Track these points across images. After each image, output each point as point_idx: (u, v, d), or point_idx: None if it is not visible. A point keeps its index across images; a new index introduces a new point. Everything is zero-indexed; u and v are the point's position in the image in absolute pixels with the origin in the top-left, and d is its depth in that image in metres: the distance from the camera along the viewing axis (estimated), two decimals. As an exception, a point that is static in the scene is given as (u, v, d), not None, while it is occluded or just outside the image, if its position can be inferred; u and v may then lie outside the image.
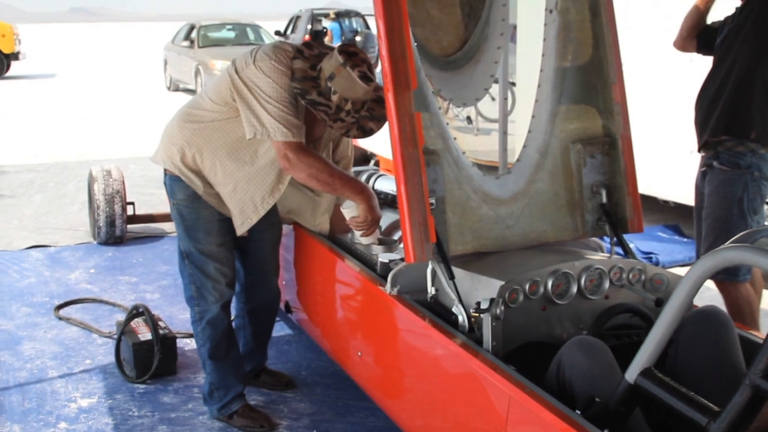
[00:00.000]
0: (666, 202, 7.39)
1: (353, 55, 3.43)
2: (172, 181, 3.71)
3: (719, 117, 4.16)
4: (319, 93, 3.42)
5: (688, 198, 5.10)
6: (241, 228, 3.72)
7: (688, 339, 2.68)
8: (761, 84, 4.09)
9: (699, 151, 4.37)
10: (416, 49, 3.12)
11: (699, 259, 2.12)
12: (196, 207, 3.68)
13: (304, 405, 4.12)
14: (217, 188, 3.66)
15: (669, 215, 7.68)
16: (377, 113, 3.56)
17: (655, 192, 7.25)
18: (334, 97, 3.42)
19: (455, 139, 3.17)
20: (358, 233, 3.75)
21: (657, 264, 6.17)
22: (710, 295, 4.72)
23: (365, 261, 3.62)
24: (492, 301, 2.76)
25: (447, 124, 3.14)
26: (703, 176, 4.32)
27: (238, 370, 3.94)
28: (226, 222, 3.73)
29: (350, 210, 3.73)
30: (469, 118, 11.20)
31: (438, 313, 3.03)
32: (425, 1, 3.43)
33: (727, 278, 4.13)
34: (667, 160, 6.94)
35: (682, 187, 6.02)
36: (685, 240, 6.97)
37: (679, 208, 7.29)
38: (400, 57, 2.92)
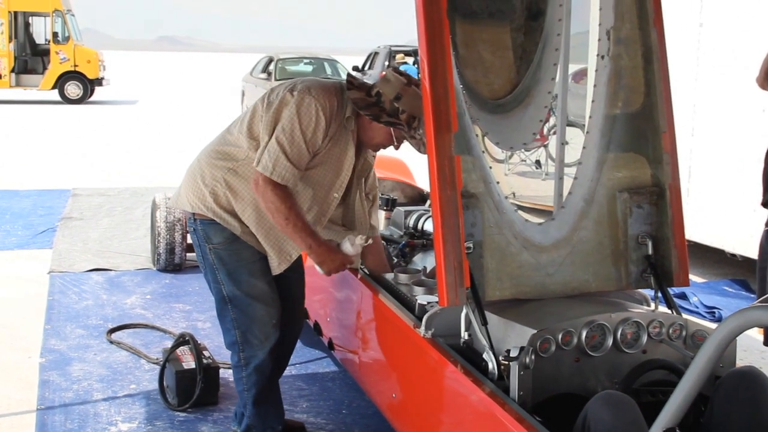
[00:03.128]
0: (734, 255, 7.19)
1: (407, 75, 3.54)
2: (206, 226, 3.62)
3: None
4: (389, 114, 3.47)
5: (756, 252, 4.95)
6: (279, 268, 3.67)
7: (725, 399, 2.61)
8: None
9: (763, 205, 4.23)
10: (464, 91, 3.11)
11: (726, 319, 2.04)
12: (236, 249, 3.61)
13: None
14: (251, 229, 3.60)
15: (737, 269, 7.47)
16: None
17: (723, 245, 7.08)
18: (403, 117, 3.47)
19: (498, 183, 3.13)
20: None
21: (719, 319, 6.00)
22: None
23: (405, 302, 3.58)
24: (522, 349, 2.71)
25: (490, 167, 3.11)
26: (767, 235, 4.16)
27: (278, 410, 3.89)
28: (267, 260, 3.67)
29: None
30: (538, 162, 11.08)
31: (470, 358, 2.98)
32: (477, 43, 3.41)
33: None
34: (736, 212, 6.77)
35: (751, 240, 5.87)
36: (752, 296, 6.75)
37: (748, 263, 7.09)
38: (442, 99, 2.90)
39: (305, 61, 21.62)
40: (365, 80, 3.66)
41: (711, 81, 6.70)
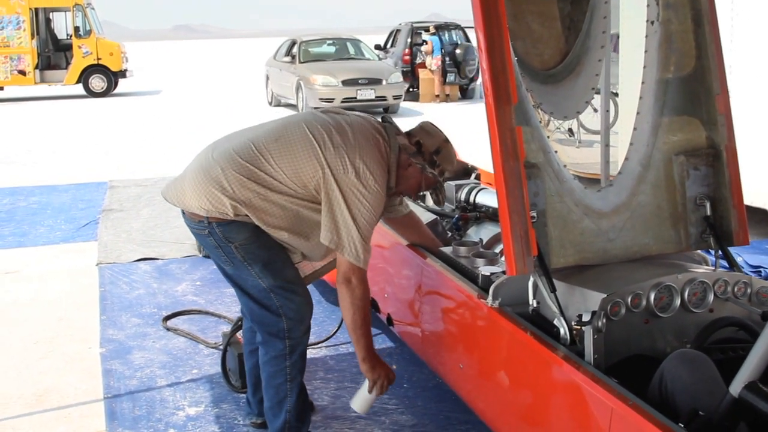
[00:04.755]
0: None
1: (440, 129, 3.68)
2: (224, 227, 3.48)
3: None
4: (430, 165, 3.58)
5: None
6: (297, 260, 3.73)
7: None
8: None
9: None
10: (516, 63, 3.14)
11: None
12: (263, 241, 3.52)
13: (406, 417, 4.15)
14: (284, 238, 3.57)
15: (780, 229, 7.48)
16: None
17: (766, 204, 7.08)
18: (437, 170, 3.60)
19: (556, 152, 3.18)
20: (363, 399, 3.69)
21: (766, 278, 6.02)
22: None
23: (467, 274, 3.64)
24: (594, 313, 2.76)
25: (548, 137, 3.16)
26: None
27: (309, 406, 3.92)
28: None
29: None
30: (570, 130, 11.08)
31: (539, 325, 3.04)
32: (526, 15, 3.44)
33: None
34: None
35: (795, 199, 5.87)
36: (796, 254, 6.77)
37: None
38: (500, 71, 2.94)
39: (328, 42, 21.54)
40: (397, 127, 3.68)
41: (747, 42, 6.69)
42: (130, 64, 26.91)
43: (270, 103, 21.58)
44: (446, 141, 3.63)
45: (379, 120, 3.65)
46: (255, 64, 30.31)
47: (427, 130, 3.63)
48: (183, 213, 3.64)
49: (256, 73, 26.84)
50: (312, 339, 4.26)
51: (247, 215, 3.44)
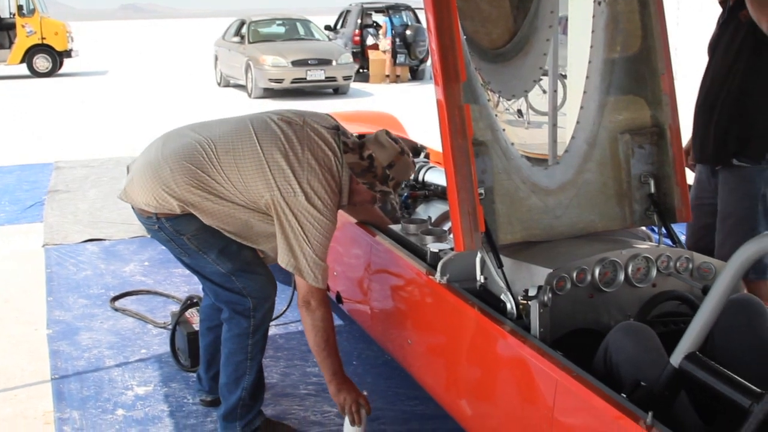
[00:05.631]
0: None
1: (397, 141, 3.56)
2: (173, 221, 3.45)
3: None
4: (380, 182, 3.52)
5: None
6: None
7: (724, 327, 2.66)
8: None
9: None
10: (465, 42, 3.17)
11: (744, 245, 2.14)
12: (215, 229, 3.50)
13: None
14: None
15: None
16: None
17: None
18: (391, 183, 3.55)
19: (504, 130, 3.22)
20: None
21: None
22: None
23: (416, 251, 3.67)
24: (540, 288, 2.81)
25: (496, 115, 3.19)
26: (713, 173, 4.11)
27: (263, 384, 3.88)
28: None
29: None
30: (519, 111, 11.17)
31: (486, 301, 3.08)
32: (475, -6, 3.48)
33: (757, 277, 3.99)
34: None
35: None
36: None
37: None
38: (449, 50, 2.97)
39: (278, 22, 21.39)
40: (353, 139, 3.58)
41: (692, 24, 6.80)
42: (76, 43, 26.46)
43: (219, 84, 21.39)
44: (401, 153, 3.52)
45: (334, 129, 3.54)
46: (204, 45, 29.99)
47: (381, 142, 3.52)
48: (132, 208, 3.61)
49: (205, 53, 26.59)
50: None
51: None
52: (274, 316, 4.93)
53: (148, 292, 5.72)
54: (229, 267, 3.54)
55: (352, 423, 3.44)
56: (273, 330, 4.94)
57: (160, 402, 4.15)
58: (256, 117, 3.58)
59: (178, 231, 3.47)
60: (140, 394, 4.23)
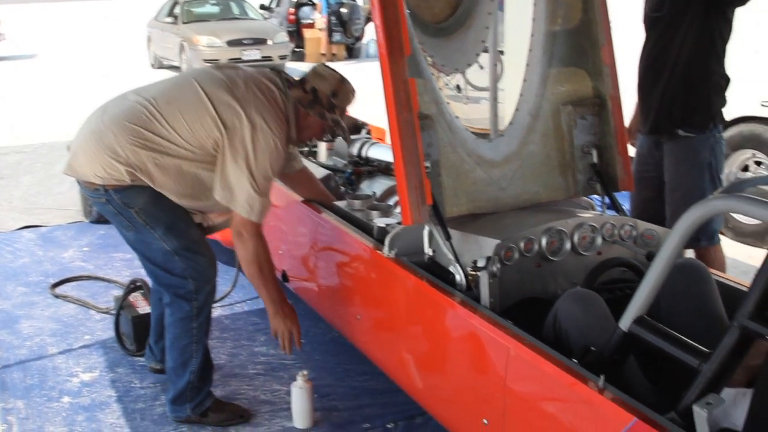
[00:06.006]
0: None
1: (334, 70, 3.60)
2: (121, 194, 3.41)
3: None
4: (328, 111, 3.52)
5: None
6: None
7: (668, 291, 2.69)
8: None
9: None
10: (409, 16, 3.17)
11: (689, 209, 2.17)
12: (165, 204, 3.47)
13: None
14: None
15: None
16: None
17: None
18: (337, 112, 3.54)
19: (448, 104, 3.23)
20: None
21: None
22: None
23: (362, 227, 3.67)
24: (489, 259, 2.83)
25: (440, 89, 3.20)
26: (656, 146, 4.18)
27: (211, 366, 3.85)
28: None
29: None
30: (458, 87, 11.21)
31: (435, 273, 3.10)
32: (416, -33, 3.47)
33: (709, 243, 4.09)
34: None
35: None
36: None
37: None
38: (393, 24, 2.97)
39: (211, 1, 21.01)
40: (293, 76, 3.65)
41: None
42: (3, 26, 25.83)
43: (152, 66, 21.04)
44: (341, 81, 3.55)
45: (272, 70, 3.60)
46: (136, 26, 29.46)
47: (320, 73, 3.56)
48: (78, 182, 3.55)
49: (137, 34, 26.16)
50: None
51: (143, 180, 3.39)
52: (219, 297, 4.93)
53: (89, 278, 5.62)
54: (175, 245, 3.50)
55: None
56: (219, 311, 4.92)
57: (107, 388, 4.09)
58: (196, 70, 3.66)
59: (127, 204, 3.42)
60: (86, 380, 4.17)
